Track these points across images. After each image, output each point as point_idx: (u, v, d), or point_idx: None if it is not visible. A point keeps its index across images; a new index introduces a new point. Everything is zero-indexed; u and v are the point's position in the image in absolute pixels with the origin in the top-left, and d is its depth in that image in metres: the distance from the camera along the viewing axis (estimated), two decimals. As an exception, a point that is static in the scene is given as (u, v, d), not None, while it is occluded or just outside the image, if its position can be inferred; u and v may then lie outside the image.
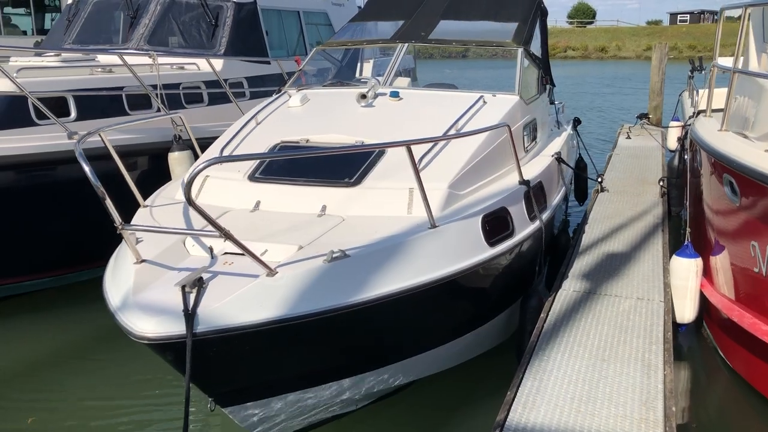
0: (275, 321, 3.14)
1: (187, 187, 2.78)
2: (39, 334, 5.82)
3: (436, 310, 4.01)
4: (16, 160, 5.64)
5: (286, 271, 3.25)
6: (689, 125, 6.81)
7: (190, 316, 3.02)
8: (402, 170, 4.03)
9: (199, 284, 3.18)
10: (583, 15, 75.63)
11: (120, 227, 3.24)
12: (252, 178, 4.43)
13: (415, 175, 3.63)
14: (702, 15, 70.28)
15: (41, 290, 6.50)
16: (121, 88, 6.79)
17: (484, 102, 5.43)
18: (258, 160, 4.58)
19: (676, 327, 5.36)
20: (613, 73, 39.28)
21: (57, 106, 6.14)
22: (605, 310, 4.78)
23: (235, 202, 4.30)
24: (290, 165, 4.44)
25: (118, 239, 3.58)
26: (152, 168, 6.75)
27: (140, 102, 6.97)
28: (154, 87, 6.99)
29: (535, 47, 6.99)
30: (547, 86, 7.42)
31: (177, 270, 3.42)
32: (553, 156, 5.94)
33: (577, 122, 9.30)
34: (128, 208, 4.48)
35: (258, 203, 4.24)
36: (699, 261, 5.05)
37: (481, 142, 4.66)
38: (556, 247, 6.17)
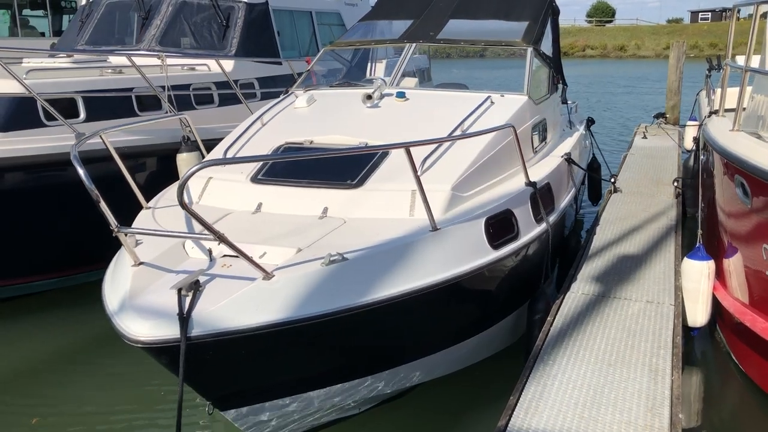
0: (271, 325, 3.11)
1: (180, 191, 2.75)
2: (44, 335, 5.84)
3: (437, 314, 3.96)
4: (22, 162, 5.66)
5: (283, 275, 3.22)
6: (705, 124, 6.68)
7: (184, 319, 3.00)
8: (405, 172, 3.98)
9: (196, 287, 3.16)
10: (602, 14, 75.01)
11: (116, 230, 3.22)
12: (254, 179, 4.41)
13: (414, 177, 3.57)
14: (724, 13, 69.31)
15: (47, 291, 6.54)
16: (130, 89, 6.81)
17: (492, 102, 5.37)
18: (261, 162, 4.56)
19: (688, 331, 5.26)
20: (624, 73, 38.92)
21: (66, 107, 6.16)
22: (613, 314, 4.70)
23: (237, 204, 4.28)
24: (293, 166, 4.41)
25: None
26: (161, 169, 6.77)
27: (150, 103, 6.99)
28: (164, 88, 7.01)
29: (547, 47, 6.91)
30: (559, 86, 7.32)
31: (175, 273, 3.40)
32: (562, 157, 5.86)
33: (590, 122, 9.19)
34: (134, 210, 4.50)
35: (260, 205, 4.22)
36: (711, 263, 4.94)
37: (486, 143, 4.60)
38: (566, 249, 6.09)
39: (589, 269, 5.48)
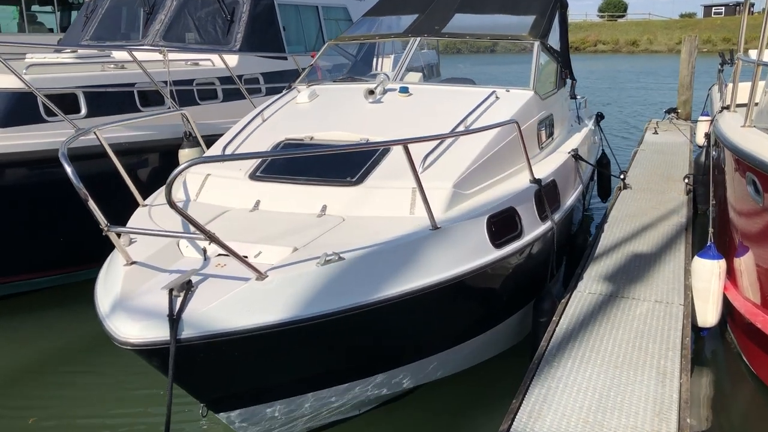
0: (264, 327, 3.02)
1: (168, 189, 2.67)
2: (43, 333, 5.79)
3: (437, 315, 3.86)
4: (21, 157, 5.61)
5: (277, 275, 3.13)
6: (716, 120, 6.54)
7: (174, 320, 2.92)
8: (406, 169, 3.86)
9: (188, 287, 3.08)
10: (614, 8, 74.40)
11: (106, 229, 3.14)
12: (253, 176, 4.32)
13: (413, 175, 3.47)
14: (737, 7, 68.56)
15: (48, 288, 6.49)
16: (132, 85, 6.75)
17: (497, 97, 5.25)
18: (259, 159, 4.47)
19: (698, 331, 5.14)
20: (635, 68, 38.53)
21: (67, 102, 6.10)
22: (621, 314, 4.58)
23: (235, 202, 4.20)
24: (292, 163, 4.33)
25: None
26: (163, 165, 6.71)
27: (153, 98, 6.92)
28: (167, 83, 6.94)
29: (555, 41, 6.78)
30: (567, 81, 7.19)
31: (168, 272, 3.32)
32: (569, 153, 5.73)
33: (600, 117, 9.04)
34: (133, 207, 4.43)
35: (258, 203, 4.13)
36: (722, 262, 4.81)
37: (489, 139, 4.49)
38: (574, 247, 5.98)
39: (597, 268, 5.36)
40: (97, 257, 6.25)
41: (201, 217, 3.98)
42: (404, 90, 5.36)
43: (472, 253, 3.84)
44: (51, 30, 15.70)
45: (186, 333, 2.94)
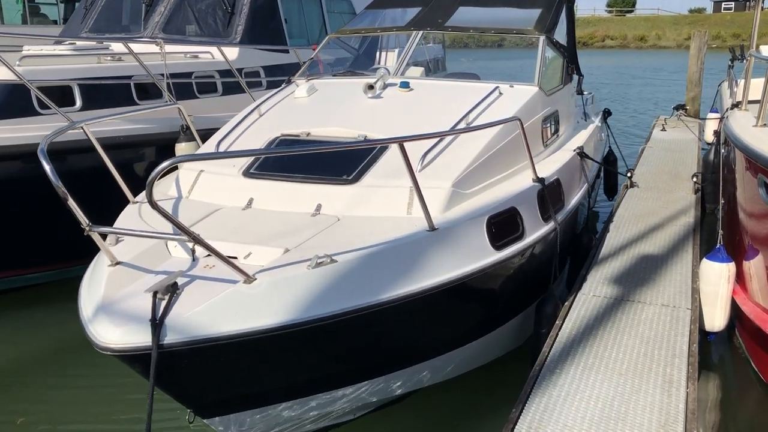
0: (250, 333, 2.89)
1: (149, 188, 2.53)
2: (32, 331, 5.67)
3: (434, 319, 3.72)
4: (12, 151, 5.48)
5: (265, 278, 3.00)
6: (726, 118, 6.37)
7: (157, 325, 2.79)
8: (404, 168, 3.73)
9: (173, 290, 2.95)
10: (622, 3, 73.82)
11: (88, 229, 3.01)
12: (246, 173, 4.19)
13: (409, 174, 3.33)
14: (747, 2, 67.95)
15: (42, 284, 6.38)
16: (129, 77, 6.62)
17: (500, 93, 5.10)
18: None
19: (706, 335, 4.99)
20: (642, 64, 38.22)
21: (62, 95, 5.98)
22: (626, 318, 4.43)
23: (227, 199, 4.07)
24: (287, 160, 4.19)
25: None
26: (161, 159, 6.56)
27: (150, 91, 6.79)
28: (164, 76, 6.81)
29: (561, 35, 6.62)
30: (574, 76, 7.02)
31: (154, 273, 3.19)
32: (575, 151, 5.57)
33: (607, 114, 8.87)
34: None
35: (251, 201, 4.00)
36: (731, 266, 4.65)
37: (491, 137, 4.34)
38: (578, 248, 5.82)
39: (602, 270, 5.21)
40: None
41: (192, 216, 3.88)
42: (405, 85, 5.21)
43: (470, 255, 3.70)
44: (55, 22, 15.61)
45: (169, 338, 2.81)
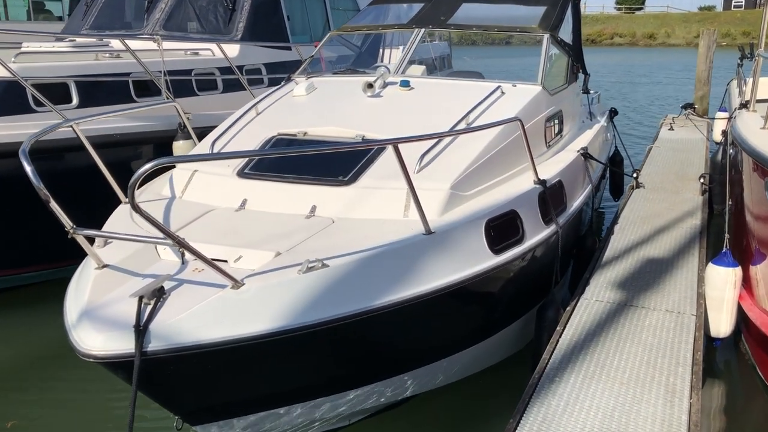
0: (235, 340, 2.80)
1: (131, 190, 2.45)
2: (28, 331, 5.58)
3: (430, 324, 3.62)
4: (4, 149, 5.40)
5: (254, 283, 2.91)
6: (734, 118, 6.23)
7: (141, 331, 2.70)
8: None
9: (159, 295, 2.87)
10: (631, 1, 73.30)
11: (72, 231, 2.93)
12: (241, 173, 4.10)
13: (405, 177, 3.23)
14: (758, 0, 67.36)
15: (38, 283, 6.30)
16: (127, 74, 6.53)
17: (502, 92, 4.99)
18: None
19: (711, 341, 4.87)
20: (649, 62, 37.92)
21: (58, 92, 5.90)
22: (629, 324, 4.31)
23: (221, 200, 3.98)
24: (282, 160, 4.10)
25: None
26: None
27: (149, 88, 6.70)
28: (162, 73, 6.73)
29: (567, 33, 6.50)
30: (579, 75, 6.90)
31: (141, 277, 3.10)
32: (578, 151, 5.46)
33: (613, 113, 8.74)
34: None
35: (244, 202, 3.91)
36: (738, 270, 4.53)
37: (491, 137, 4.23)
38: (582, 250, 5.70)
39: (605, 273, 5.09)
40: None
41: (183, 217, 3.79)
42: (405, 84, 5.11)
43: (468, 259, 3.59)
44: (59, 18, 15.57)
45: (153, 345, 2.72)
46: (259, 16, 8.44)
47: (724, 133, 8.40)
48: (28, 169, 2.79)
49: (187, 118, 6.34)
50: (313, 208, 3.74)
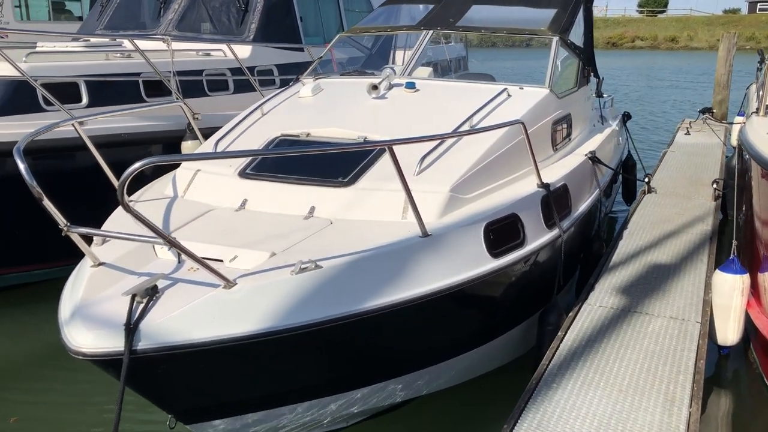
0: (225, 340, 2.80)
1: (121, 189, 2.46)
2: (32, 328, 5.63)
3: (426, 327, 3.60)
4: (8, 147, 5.46)
5: (246, 283, 2.91)
6: (743, 124, 6.14)
7: (131, 330, 2.71)
8: (404, 170, 3.60)
9: (152, 293, 2.88)
10: (654, 3, 72.58)
11: (66, 229, 2.95)
12: (242, 174, 4.11)
13: (400, 179, 3.22)
14: (784, 3, 66.36)
15: (45, 281, 6.35)
16: (137, 74, 6.58)
17: (509, 95, 4.95)
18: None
19: (719, 349, 4.80)
20: (667, 65, 37.49)
21: (68, 92, 5.96)
22: (632, 331, 4.26)
23: (222, 200, 3.99)
24: (284, 161, 4.10)
25: None
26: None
27: (160, 88, 6.75)
28: (177, 73, 6.78)
29: (578, 36, 6.44)
30: (590, 78, 6.83)
31: (136, 275, 3.12)
32: (586, 155, 5.40)
33: (626, 117, 8.65)
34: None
35: (245, 202, 3.91)
36: (745, 277, 4.45)
37: (494, 140, 4.20)
38: (589, 256, 5.65)
39: (611, 279, 5.03)
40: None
41: (183, 216, 3.81)
42: (411, 85, 5.09)
43: (466, 262, 3.57)
44: (79, 18, 15.75)
45: (143, 344, 2.73)
46: (272, 17, 8.47)
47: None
48: (21, 167, 2.82)
49: (196, 118, 6.38)
50: (312, 209, 3.73)
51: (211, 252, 3.25)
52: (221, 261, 3.21)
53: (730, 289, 4.44)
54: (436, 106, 4.84)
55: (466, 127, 4.39)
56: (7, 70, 5.57)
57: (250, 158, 4.20)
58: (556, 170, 4.84)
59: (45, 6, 15.79)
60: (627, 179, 8.20)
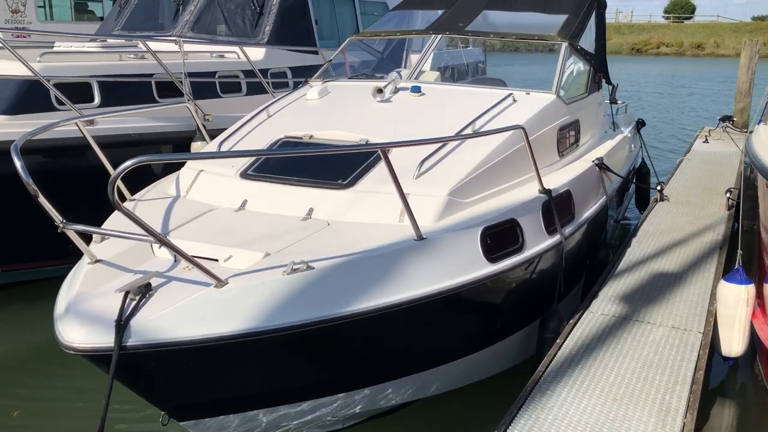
0: (213, 338, 2.83)
1: (111, 187, 2.50)
2: (33, 324, 5.70)
3: (419, 331, 3.59)
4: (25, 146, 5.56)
5: (237, 283, 2.93)
6: (750, 133, 6.05)
7: (122, 326, 2.75)
8: (403, 174, 3.62)
9: (146, 291, 2.92)
10: (681, 10, 71.79)
11: (61, 226, 3.00)
12: (244, 174, 4.14)
13: (393, 181, 3.23)
14: (814, 11, 65.31)
15: (44, 279, 6.43)
16: (150, 75, 6.67)
17: (514, 100, 4.94)
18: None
19: (724, 360, 4.73)
20: (692, 72, 37.04)
21: (81, 92, 6.06)
22: (632, 339, 4.22)
23: (223, 200, 4.03)
24: (284, 163, 4.13)
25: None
26: None
27: (173, 90, 6.82)
28: (189, 74, 6.85)
29: (589, 42, 6.40)
30: (602, 84, 6.79)
31: (132, 273, 3.17)
32: (593, 162, 5.37)
33: (640, 124, 8.58)
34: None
35: (245, 202, 3.95)
36: (751, 288, 4.38)
37: (496, 145, 4.20)
38: (595, 263, 5.60)
39: (615, 287, 4.98)
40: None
41: (183, 215, 3.85)
42: (416, 89, 5.10)
43: (461, 266, 3.56)
44: (101, 19, 16.00)
45: (132, 340, 2.77)
46: (287, 20, 8.53)
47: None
48: (17, 164, 2.87)
49: (207, 119, 6.44)
50: (311, 211, 3.75)
51: (207, 251, 3.28)
52: (216, 260, 3.24)
53: (735, 300, 4.38)
54: (440, 110, 4.84)
55: (469, 131, 4.39)
56: (21, 70, 5.67)
57: (253, 159, 4.23)
58: (561, 176, 4.81)
59: (68, 6, 16.06)
60: (640, 187, 8.12)
